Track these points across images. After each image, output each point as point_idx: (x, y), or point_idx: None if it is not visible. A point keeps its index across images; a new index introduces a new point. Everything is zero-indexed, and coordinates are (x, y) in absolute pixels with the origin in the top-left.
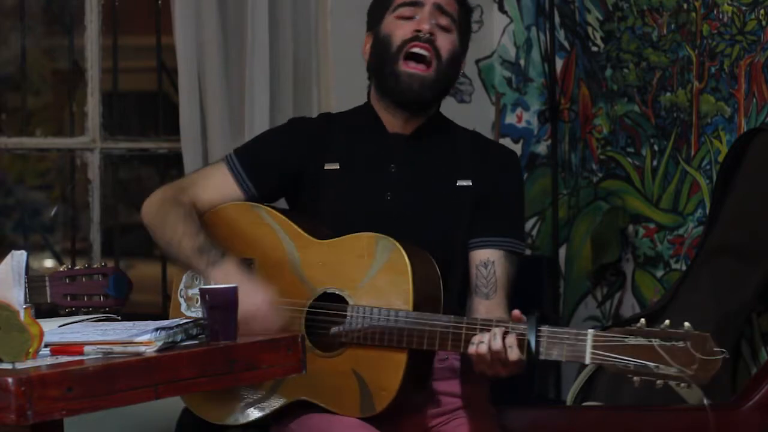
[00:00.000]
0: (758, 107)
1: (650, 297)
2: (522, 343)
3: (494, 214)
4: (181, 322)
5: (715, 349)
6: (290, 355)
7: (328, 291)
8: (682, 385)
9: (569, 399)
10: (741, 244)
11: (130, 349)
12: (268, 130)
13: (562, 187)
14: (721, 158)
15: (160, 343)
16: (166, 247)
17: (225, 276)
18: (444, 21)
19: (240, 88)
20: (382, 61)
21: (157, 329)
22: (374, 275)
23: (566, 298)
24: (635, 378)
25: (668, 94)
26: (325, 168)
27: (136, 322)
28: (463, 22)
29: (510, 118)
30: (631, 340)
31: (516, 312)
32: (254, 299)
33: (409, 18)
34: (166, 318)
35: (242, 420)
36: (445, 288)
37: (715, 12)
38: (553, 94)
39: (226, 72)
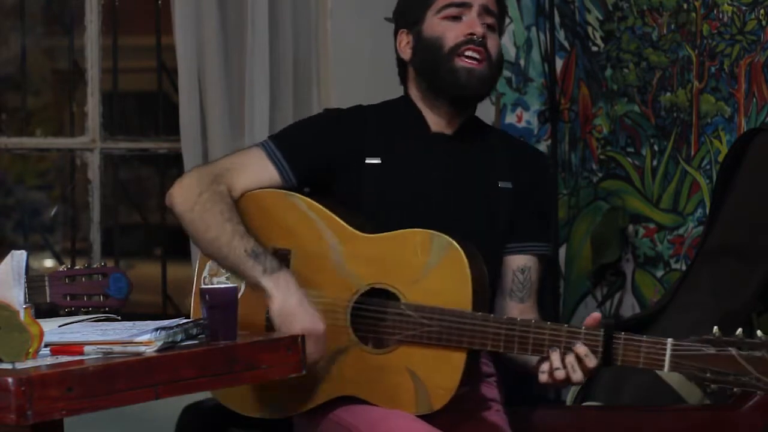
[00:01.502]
0: (758, 107)
1: (650, 297)
2: (597, 355)
3: (532, 219)
4: (181, 322)
5: None
6: (290, 355)
7: (376, 287)
8: (759, 392)
9: (569, 399)
10: (741, 244)
11: (130, 349)
12: (304, 119)
13: (562, 187)
14: (721, 158)
15: (160, 343)
16: (209, 245)
17: (286, 290)
18: (490, 20)
19: (240, 88)
20: (434, 62)
21: (157, 329)
22: (429, 273)
23: (566, 298)
24: (712, 385)
25: (668, 94)
26: (366, 162)
27: (136, 322)
28: (501, 17)
29: (510, 118)
30: (710, 349)
31: (596, 315)
32: (306, 323)
33: (456, 18)
34: (166, 318)
35: (281, 413)
36: None
37: (715, 12)
38: (553, 94)
39: (226, 72)
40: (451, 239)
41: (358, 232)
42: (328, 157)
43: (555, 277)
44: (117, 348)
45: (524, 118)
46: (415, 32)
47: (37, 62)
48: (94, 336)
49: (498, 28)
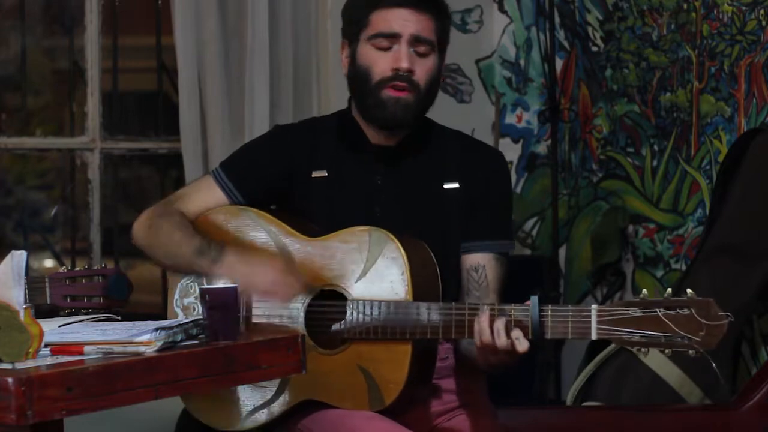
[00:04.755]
0: (758, 107)
1: (650, 297)
2: (527, 330)
3: (483, 218)
4: (181, 322)
5: (720, 313)
6: (290, 354)
7: (326, 288)
8: (691, 352)
9: (569, 399)
10: (741, 244)
11: (130, 349)
12: (253, 141)
13: (562, 187)
14: (721, 158)
15: (160, 343)
16: (166, 259)
17: (229, 269)
18: (422, 48)
19: (240, 88)
20: (363, 91)
21: (157, 329)
22: (370, 268)
23: (566, 298)
24: (643, 349)
25: (668, 94)
26: (313, 175)
27: (136, 322)
28: (442, 35)
29: (510, 118)
30: (636, 312)
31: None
32: (269, 273)
33: (387, 49)
34: (166, 318)
35: (250, 425)
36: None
37: (715, 12)
38: (553, 94)
39: (226, 72)
40: (387, 232)
41: (304, 236)
42: (274, 176)
43: (555, 277)
44: (117, 348)
45: (524, 118)
46: (352, 50)
47: (37, 62)
48: (94, 336)
49: (438, 48)
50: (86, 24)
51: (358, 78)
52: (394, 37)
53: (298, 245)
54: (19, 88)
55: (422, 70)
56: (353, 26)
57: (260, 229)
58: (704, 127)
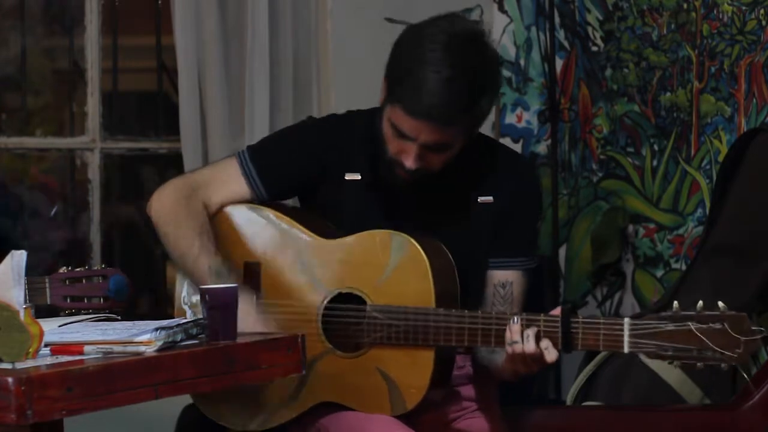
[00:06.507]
0: (758, 107)
1: (650, 297)
2: (556, 340)
3: (514, 234)
4: (181, 322)
5: (753, 328)
6: (290, 354)
7: (343, 291)
8: (723, 365)
9: (569, 399)
10: (741, 244)
11: (130, 348)
12: (286, 131)
13: (562, 187)
14: (721, 158)
15: (160, 343)
16: (179, 258)
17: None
18: (434, 149)
19: (240, 88)
20: (382, 150)
21: (157, 329)
22: (391, 273)
23: (566, 298)
24: (675, 362)
25: (668, 94)
26: (346, 178)
27: (136, 322)
28: (472, 126)
29: (510, 118)
30: (668, 325)
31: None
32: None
33: (402, 136)
34: (166, 318)
35: (267, 425)
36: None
37: (715, 12)
38: (553, 94)
39: (226, 72)
40: (409, 237)
41: (321, 238)
42: (304, 173)
43: (555, 277)
44: (117, 348)
45: (524, 118)
46: (383, 107)
47: (37, 62)
48: (94, 336)
49: (462, 135)
50: (86, 24)
51: (380, 133)
52: (406, 136)
53: (313, 246)
54: (19, 88)
55: (435, 161)
56: (389, 83)
57: (273, 229)
58: (704, 127)
